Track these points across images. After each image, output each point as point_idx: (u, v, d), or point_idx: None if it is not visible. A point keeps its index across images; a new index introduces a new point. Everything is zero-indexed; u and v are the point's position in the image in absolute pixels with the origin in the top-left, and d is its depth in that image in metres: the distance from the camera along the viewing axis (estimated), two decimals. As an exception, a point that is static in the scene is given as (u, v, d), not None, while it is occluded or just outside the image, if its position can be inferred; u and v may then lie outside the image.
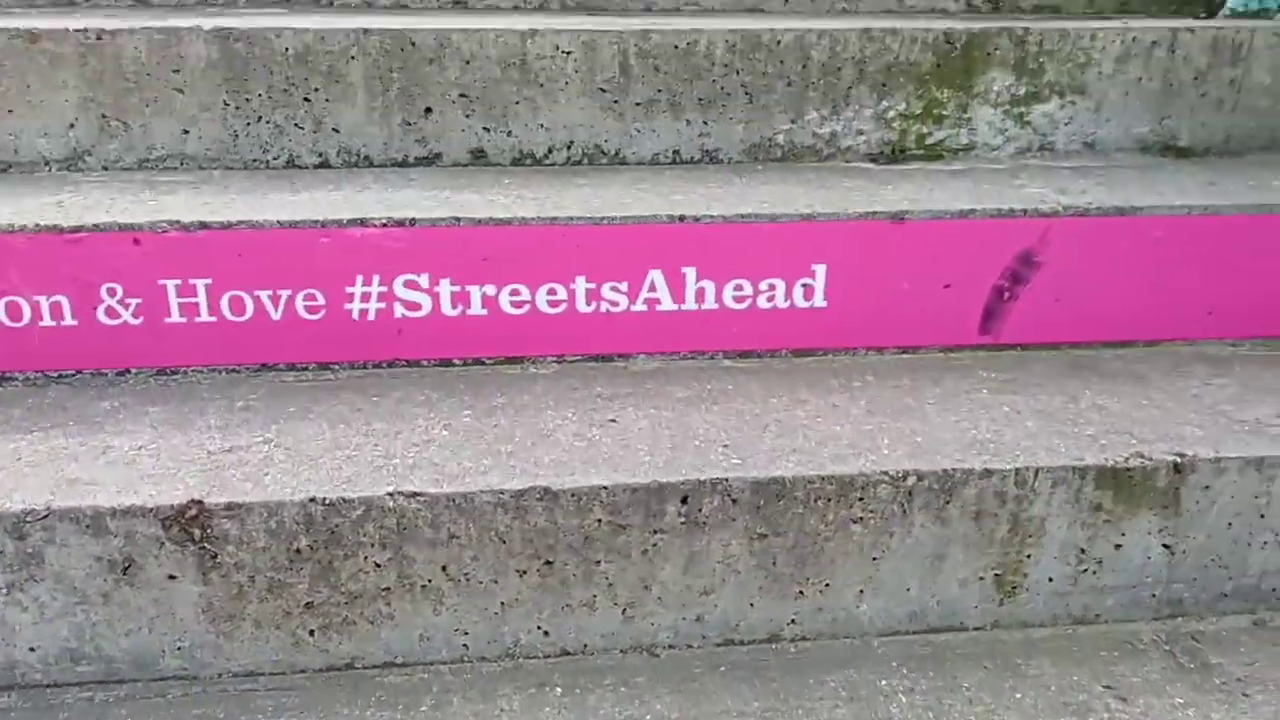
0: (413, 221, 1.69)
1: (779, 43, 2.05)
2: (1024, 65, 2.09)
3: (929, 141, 2.13)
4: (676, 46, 2.04)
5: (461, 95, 2.03)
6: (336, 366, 1.77)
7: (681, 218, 1.73)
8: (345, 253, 1.69)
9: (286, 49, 1.97)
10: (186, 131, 2.00)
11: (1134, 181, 1.95)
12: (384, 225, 1.69)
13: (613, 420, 1.58)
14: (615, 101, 2.06)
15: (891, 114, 2.11)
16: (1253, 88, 2.14)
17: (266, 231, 1.68)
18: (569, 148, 2.08)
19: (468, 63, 2.01)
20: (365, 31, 1.97)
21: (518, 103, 2.04)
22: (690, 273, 1.76)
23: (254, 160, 2.03)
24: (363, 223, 1.69)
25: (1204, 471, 1.48)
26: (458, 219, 1.70)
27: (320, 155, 2.04)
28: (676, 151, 2.11)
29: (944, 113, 2.12)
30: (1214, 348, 1.86)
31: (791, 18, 2.32)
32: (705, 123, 2.09)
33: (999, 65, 2.09)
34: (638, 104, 2.07)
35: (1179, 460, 1.46)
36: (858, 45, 2.06)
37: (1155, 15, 2.45)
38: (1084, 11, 2.45)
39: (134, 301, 1.69)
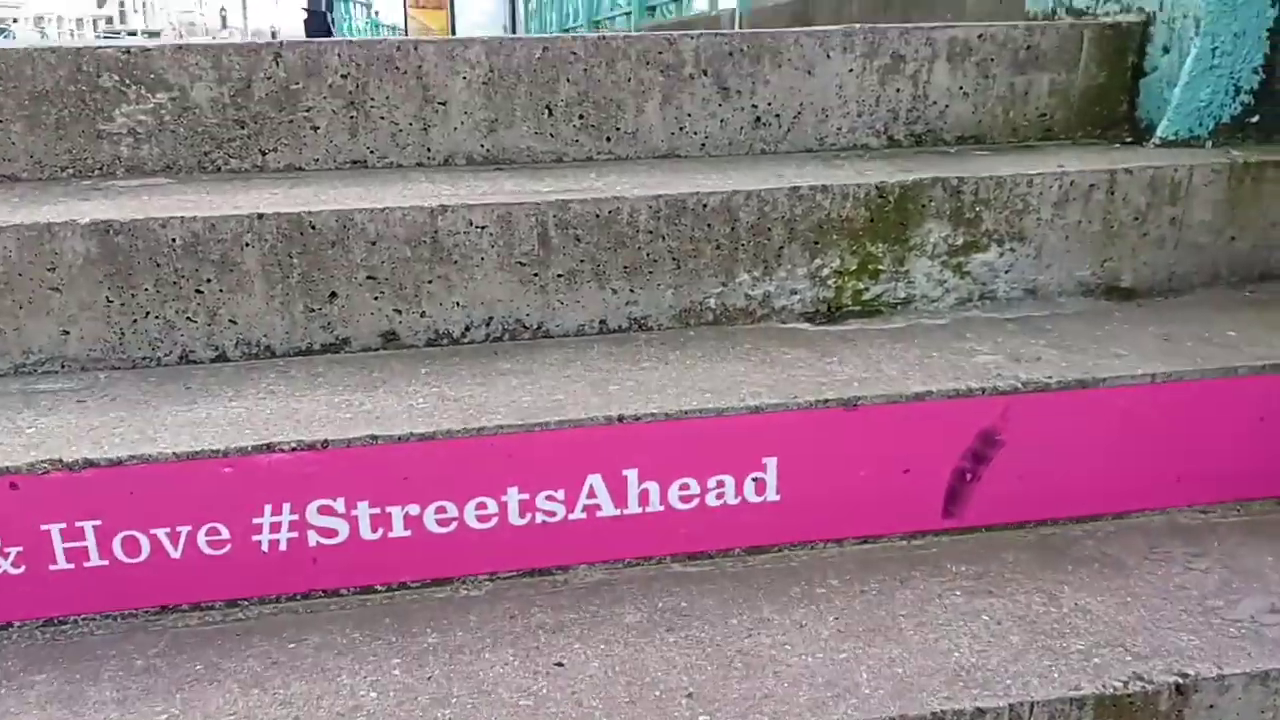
0: (325, 444, 1.53)
1: (705, 206, 1.93)
2: (960, 215, 2.01)
3: (866, 297, 2.03)
4: (598, 215, 1.91)
5: (369, 277, 1.87)
6: (246, 603, 1.58)
7: (620, 418, 1.59)
8: (251, 482, 1.52)
9: (174, 239, 1.80)
10: (66, 332, 1.81)
11: (1086, 338, 1.87)
12: (294, 449, 1.52)
13: (559, 664, 1.42)
14: (535, 274, 1.92)
15: (826, 271, 2.01)
16: (1193, 225, 2.08)
17: (161, 466, 1.49)
18: (488, 324, 1.94)
19: (374, 243, 1.85)
20: (259, 216, 1.81)
21: (430, 281, 1.89)
22: (632, 475, 1.61)
23: (143, 358, 1.85)
24: (270, 448, 1.51)
25: (1207, 691, 1.36)
26: (375, 437, 1.54)
27: (217, 349, 1.86)
28: (603, 321, 1.97)
29: (880, 267, 2.02)
30: (1185, 516, 1.77)
31: (709, 166, 2.21)
32: (632, 290, 1.96)
33: (934, 216, 2.00)
34: (559, 275, 1.93)
35: (1181, 681, 1.35)
36: (787, 205, 1.96)
37: (1080, 142, 2.40)
38: (1008, 141, 2.39)
39: (14, 550, 1.50)
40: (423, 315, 1.91)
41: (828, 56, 2.29)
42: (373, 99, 2.18)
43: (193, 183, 2.10)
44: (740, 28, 6.28)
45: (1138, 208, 2.06)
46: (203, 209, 1.84)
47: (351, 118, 2.18)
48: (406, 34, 24.01)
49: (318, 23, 31.88)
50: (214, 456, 1.50)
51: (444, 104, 2.20)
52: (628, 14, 10.57)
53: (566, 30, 15.22)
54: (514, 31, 19.86)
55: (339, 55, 2.14)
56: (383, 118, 2.19)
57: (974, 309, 2.05)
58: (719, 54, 2.25)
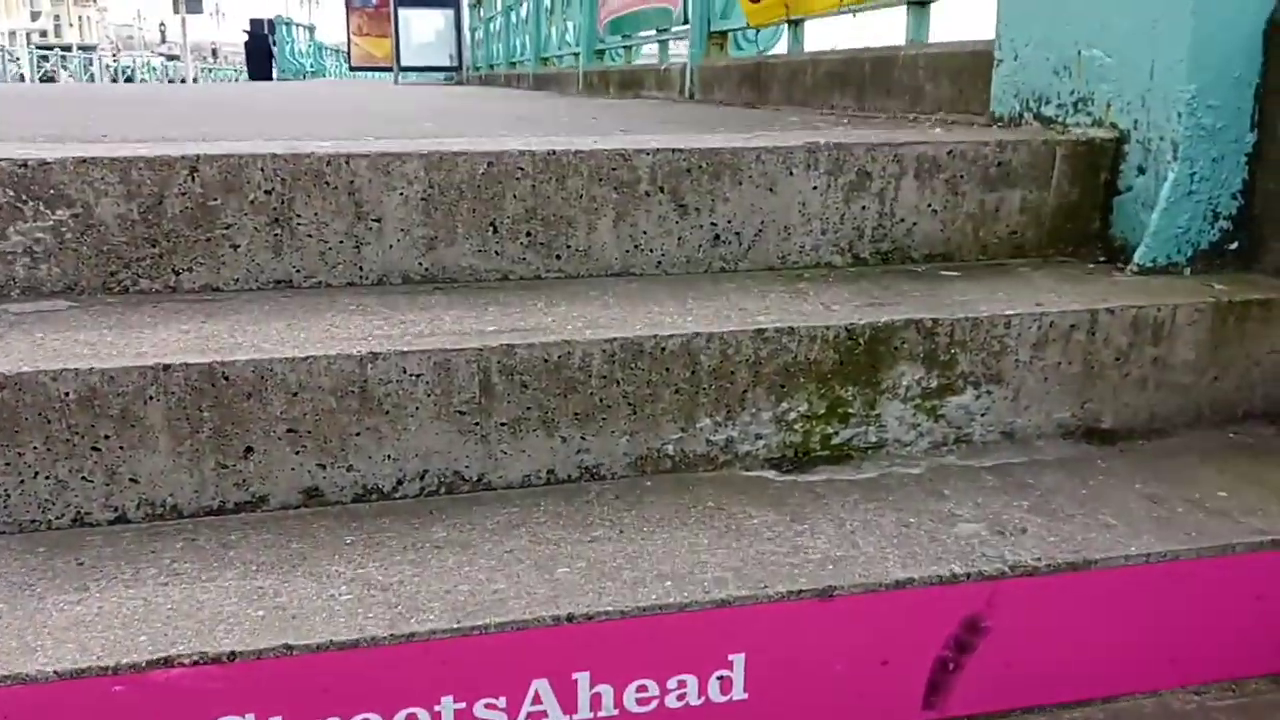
0: (232, 656, 1.34)
1: (664, 350, 1.78)
2: (935, 357, 1.87)
3: (835, 442, 1.88)
4: (546, 360, 1.75)
5: (289, 430, 1.69)
6: (140, 828, 1.38)
7: (570, 617, 1.42)
8: (145, 700, 1.33)
9: (67, 394, 1.60)
10: (-60, 494, 1.61)
11: (1072, 499, 1.73)
12: (195, 663, 1.33)
13: None
14: (476, 424, 1.75)
15: (793, 416, 1.86)
16: (1176, 365, 1.96)
17: (40, 686, 1.30)
18: (422, 477, 1.76)
19: (295, 394, 1.67)
20: (165, 368, 1.62)
21: (358, 434, 1.72)
22: (583, 678, 1.45)
23: (31, 521, 1.65)
24: (168, 662, 1.33)
25: None
26: (289, 647, 1.35)
27: (116, 510, 1.67)
28: (551, 471, 1.81)
29: (850, 411, 1.87)
30: (1178, 699, 1.63)
31: (665, 287, 2.06)
32: (583, 438, 1.80)
33: (907, 359, 1.86)
34: (503, 424, 1.76)
35: None
36: (751, 347, 1.81)
37: (1051, 260, 2.28)
38: (978, 259, 2.26)
39: None
40: (349, 470, 1.73)
41: (790, 173, 2.15)
42: (300, 216, 2.00)
43: (95, 307, 1.91)
44: (691, 82, 6.16)
45: (1119, 348, 1.93)
46: (101, 356, 1.64)
47: (276, 235, 2.00)
48: (349, 60, 23.68)
49: (259, 45, 31.57)
50: (103, 674, 1.31)
51: (378, 221, 2.03)
52: (576, 54, 10.46)
53: (514, 63, 15.08)
54: (459, 60, 19.67)
55: (263, 169, 1.96)
56: (310, 235, 2.01)
57: (949, 454, 1.91)
58: (676, 170, 2.10)
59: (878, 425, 1.89)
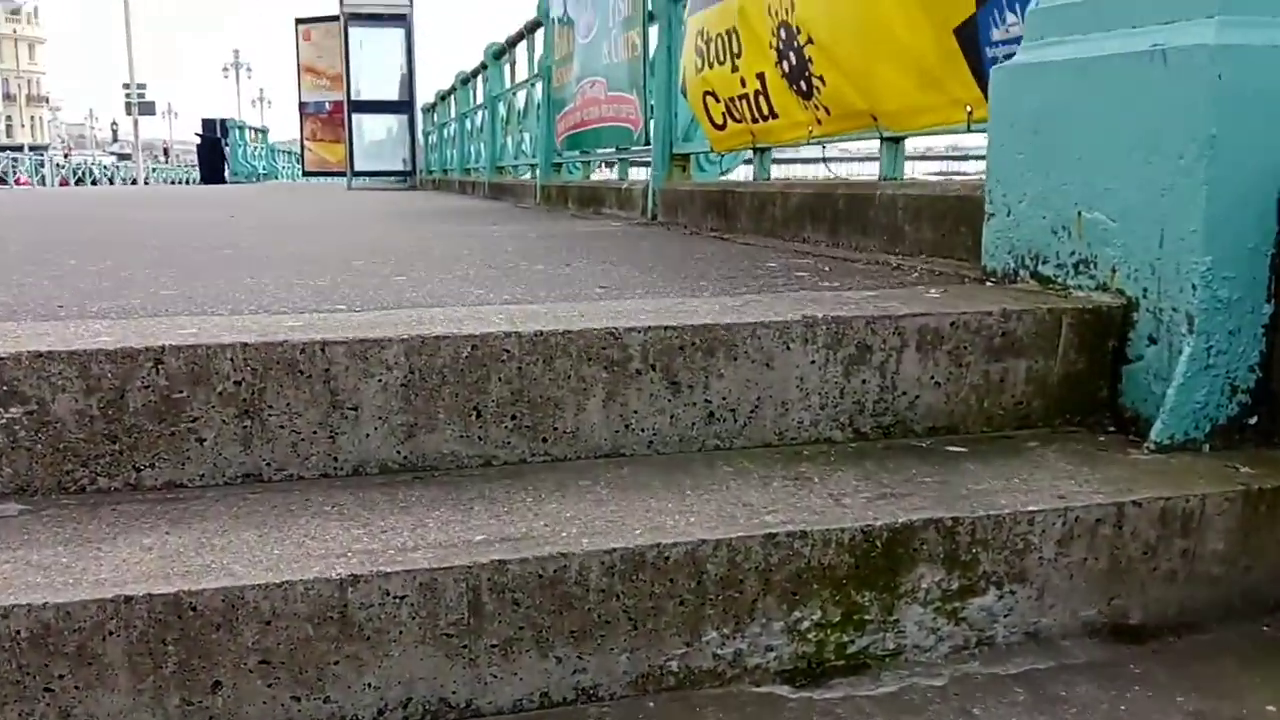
0: None
1: (667, 559, 1.65)
2: (955, 558, 1.76)
3: (851, 650, 1.75)
4: (540, 575, 1.61)
5: (262, 662, 1.53)
6: None
7: None
8: None
9: (17, 631, 1.45)
10: None
11: (1106, 713, 1.61)
12: None
13: None
14: (464, 646, 1.61)
15: (806, 624, 1.73)
16: (1206, 556, 1.86)
17: None
18: (405, 706, 1.61)
19: (268, 623, 1.52)
20: (126, 600, 1.47)
21: (337, 662, 1.56)
22: None
23: (-31, 772, 1.47)
24: None
25: None
26: None
27: (67, 755, 1.50)
28: (545, 694, 1.66)
29: (866, 617, 1.75)
30: None
31: (659, 471, 1.94)
32: (580, 657, 1.66)
33: (926, 560, 1.75)
34: (493, 645, 1.62)
35: None
36: (761, 554, 1.68)
37: (1060, 431, 2.19)
38: (983, 431, 2.17)
39: None
40: (326, 701, 1.57)
41: (788, 348, 2.05)
42: (271, 406, 1.87)
43: (49, 510, 1.76)
44: (653, 204, 6.13)
45: (1147, 542, 1.83)
46: (56, 586, 1.49)
47: (245, 427, 1.86)
48: (303, 164, 23.65)
49: (212, 148, 31.61)
50: None
51: (355, 409, 1.90)
52: (533, 165, 10.48)
53: (468, 169, 15.11)
54: (413, 165, 19.70)
55: (232, 360, 1.83)
56: (282, 427, 1.88)
57: (971, 660, 1.78)
58: (669, 348, 2.00)
59: (896, 631, 1.77)
